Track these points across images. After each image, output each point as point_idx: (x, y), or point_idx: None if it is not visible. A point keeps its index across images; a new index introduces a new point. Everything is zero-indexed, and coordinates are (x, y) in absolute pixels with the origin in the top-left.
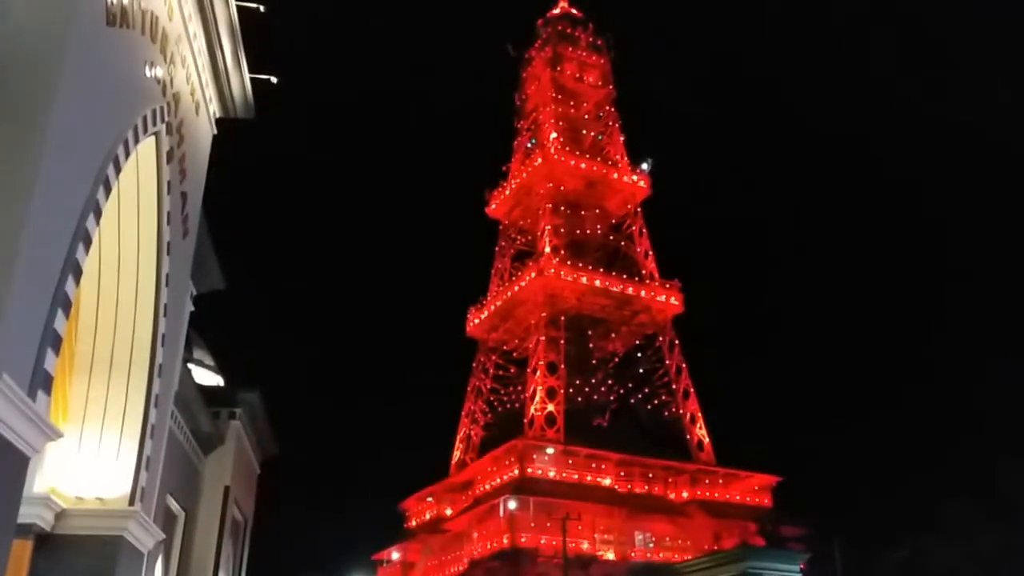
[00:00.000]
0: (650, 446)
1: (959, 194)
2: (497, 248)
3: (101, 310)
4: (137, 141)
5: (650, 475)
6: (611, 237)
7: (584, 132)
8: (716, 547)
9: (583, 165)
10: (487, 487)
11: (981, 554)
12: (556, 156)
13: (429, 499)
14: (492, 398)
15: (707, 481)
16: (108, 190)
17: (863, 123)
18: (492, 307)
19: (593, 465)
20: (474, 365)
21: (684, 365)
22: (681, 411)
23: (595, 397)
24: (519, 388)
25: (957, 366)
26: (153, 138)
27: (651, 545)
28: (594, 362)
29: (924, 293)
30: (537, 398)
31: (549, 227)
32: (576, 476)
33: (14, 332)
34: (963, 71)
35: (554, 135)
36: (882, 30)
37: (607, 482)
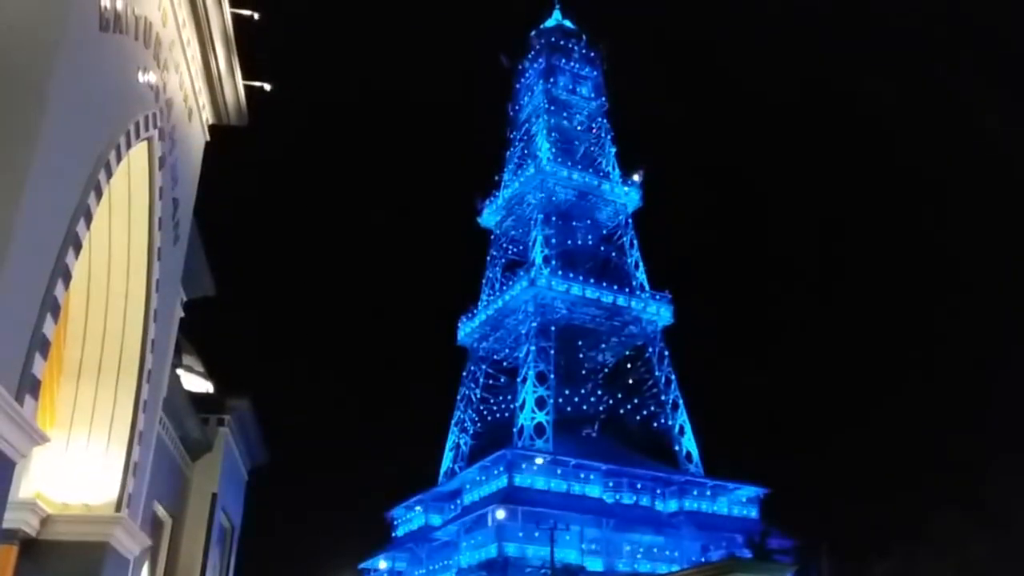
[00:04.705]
0: (639, 457)
1: (962, 201)
2: (488, 258)
3: (90, 315)
4: (129, 146)
5: (638, 486)
6: (602, 248)
7: (576, 143)
8: (703, 559)
9: (575, 176)
10: (475, 496)
11: (969, 563)
12: (548, 167)
13: (417, 508)
14: (482, 407)
15: (695, 493)
16: (99, 195)
17: (859, 133)
18: (483, 316)
19: (582, 475)
20: (464, 374)
21: (673, 376)
22: (670, 422)
23: (584, 407)
24: (509, 398)
25: (949, 375)
26: (145, 143)
27: (639, 556)
28: (584, 372)
29: (917, 303)
30: (527, 408)
31: (540, 237)
32: (564, 486)
33: (2, 336)
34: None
35: (546, 146)
36: (879, 34)
37: (595, 492)
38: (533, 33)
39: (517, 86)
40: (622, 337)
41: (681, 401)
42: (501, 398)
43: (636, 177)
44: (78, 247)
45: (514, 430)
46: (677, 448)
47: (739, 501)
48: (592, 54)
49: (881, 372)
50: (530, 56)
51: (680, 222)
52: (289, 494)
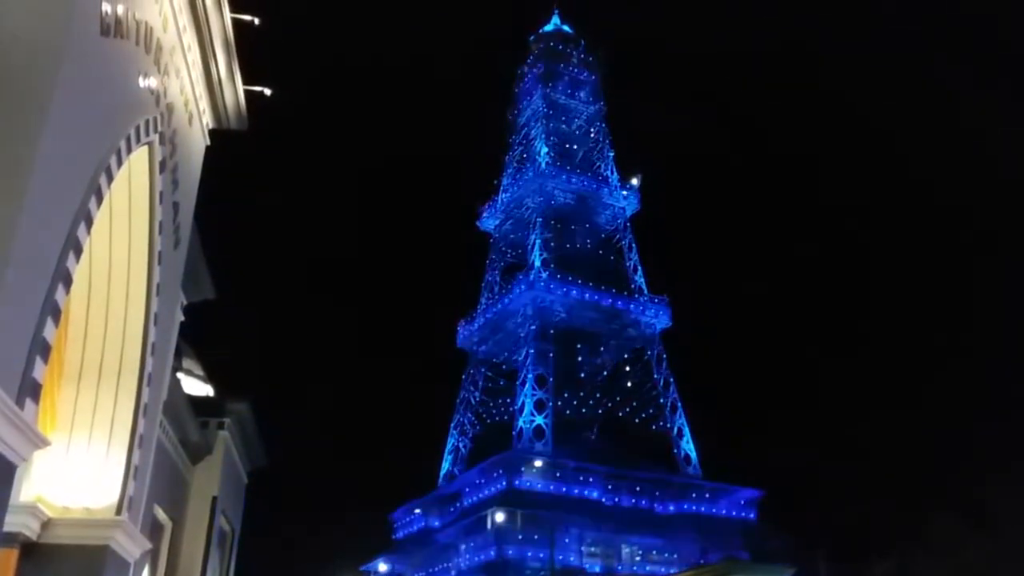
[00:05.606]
0: (637, 459)
1: (962, 200)
2: (487, 261)
3: (91, 319)
4: (130, 151)
5: (637, 488)
6: (601, 251)
7: (575, 147)
8: (702, 561)
9: (573, 180)
10: (475, 499)
11: (968, 564)
12: (547, 171)
13: (417, 510)
14: (481, 410)
15: (694, 495)
16: (100, 199)
17: (859, 133)
18: (482, 320)
19: (580, 478)
20: (464, 377)
21: (672, 379)
22: (668, 425)
23: (583, 410)
24: (508, 400)
25: (949, 376)
26: (146, 148)
27: (637, 558)
28: (583, 375)
29: (918, 303)
30: (526, 411)
31: (539, 241)
32: (563, 489)
33: (3, 340)
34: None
35: (545, 150)
36: (879, 34)
37: (594, 495)
38: (532, 38)
39: (516, 90)
40: (621, 340)
41: (680, 404)
42: (500, 401)
43: (635, 181)
44: (79, 251)
45: (513, 433)
46: (676, 451)
47: (737, 503)
48: (590, 59)
49: (881, 374)
50: (529, 60)
51: (679, 224)
52: (289, 497)
